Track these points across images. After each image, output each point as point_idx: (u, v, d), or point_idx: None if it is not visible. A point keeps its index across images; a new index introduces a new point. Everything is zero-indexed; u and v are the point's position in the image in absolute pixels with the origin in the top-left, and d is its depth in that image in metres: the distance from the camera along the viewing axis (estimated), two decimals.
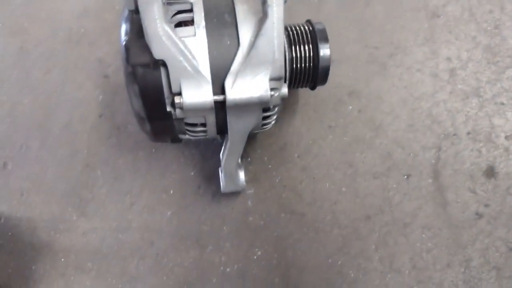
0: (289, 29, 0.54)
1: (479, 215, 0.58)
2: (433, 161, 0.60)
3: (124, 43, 0.45)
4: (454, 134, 0.61)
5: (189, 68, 0.44)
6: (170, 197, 0.62)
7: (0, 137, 0.67)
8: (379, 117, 0.62)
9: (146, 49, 0.43)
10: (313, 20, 0.54)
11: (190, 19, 0.45)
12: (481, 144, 0.60)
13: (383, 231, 0.58)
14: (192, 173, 0.62)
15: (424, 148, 0.61)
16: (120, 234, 0.61)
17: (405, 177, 0.60)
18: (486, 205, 0.58)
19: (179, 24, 0.45)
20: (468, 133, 0.61)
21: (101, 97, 0.67)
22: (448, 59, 0.64)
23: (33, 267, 0.60)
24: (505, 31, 0.65)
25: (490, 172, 0.60)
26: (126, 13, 0.46)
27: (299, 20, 0.55)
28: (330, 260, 0.57)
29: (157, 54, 0.43)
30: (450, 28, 0.66)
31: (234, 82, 0.46)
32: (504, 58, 0.64)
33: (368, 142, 0.61)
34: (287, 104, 0.63)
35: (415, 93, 0.63)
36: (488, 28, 0.65)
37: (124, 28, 0.46)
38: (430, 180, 0.60)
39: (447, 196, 0.59)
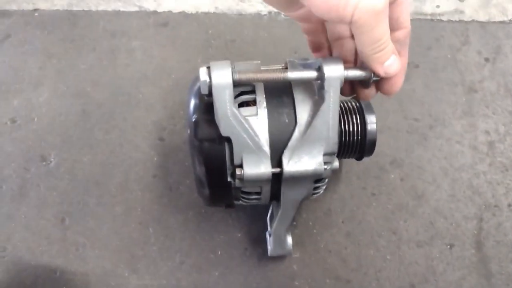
0: None
1: None
2: (475, 232, 0.62)
3: (193, 119, 0.50)
4: (495, 206, 0.63)
5: (251, 144, 0.49)
6: (217, 258, 0.64)
7: (60, 193, 0.71)
8: (421, 186, 0.65)
9: (213, 125, 0.48)
10: None
11: (252, 99, 0.50)
12: None
13: None
14: (239, 235, 0.65)
15: (466, 218, 0.63)
16: None
17: (448, 246, 0.61)
18: None
19: (242, 104, 0.50)
20: (509, 205, 0.63)
21: (155, 158, 0.72)
22: (487, 132, 0.68)
23: None
24: None
25: None
26: (195, 90, 0.52)
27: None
28: None
29: (224, 132, 0.48)
30: (487, 102, 0.70)
31: (291, 157, 0.50)
32: None
33: (411, 210, 0.64)
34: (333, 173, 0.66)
35: (455, 164, 0.66)
36: None
37: (193, 104, 0.51)
38: (473, 251, 0.61)
39: (491, 267, 0.60)
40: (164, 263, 0.65)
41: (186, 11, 0.87)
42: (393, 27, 0.41)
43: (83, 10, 0.89)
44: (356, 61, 0.50)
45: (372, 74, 0.46)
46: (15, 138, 0.77)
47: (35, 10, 0.92)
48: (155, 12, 0.87)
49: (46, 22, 0.90)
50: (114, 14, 0.87)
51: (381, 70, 0.44)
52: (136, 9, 0.87)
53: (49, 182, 0.72)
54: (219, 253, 0.65)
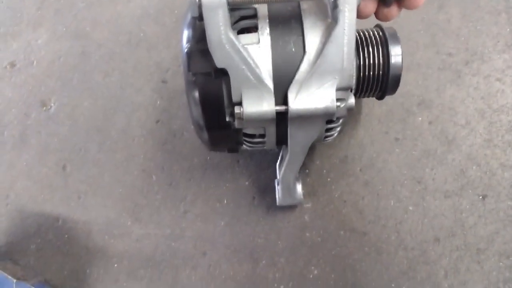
0: (356, 34, 0.50)
1: None
2: None
3: (185, 50, 0.43)
4: None
5: (251, 77, 0.42)
6: (223, 207, 0.60)
7: (60, 139, 0.68)
8: (452, 130, 0.57)
9: (208, 57, 0.42)
10: (383, 25, 0.50)
11: (254, 25, 0.43)
12: None
13: (454, 256, 0.53)
14: (247, 183, 0.60)
15: (503, 166, 0.55)
16: (173, 242, 0.60)
17: (481, 197, 0.54)
18: None
19: (242, 31, 0.43)
20: None
21: (158, 102, 0.67)
22: None
23: (88, 271, 0.60)
24: None
25: None
26: (188, 18, 0.45)
27: (367, 23, 0.51)
28: (393, 284, 0.53)
29: (220, 62, 0.41)
30: None
31: (298, 92, 0.43)
32: None
33: (440, 157, 0.56)
34: (349, 113, 0.59)
35: (494, 104, 0.57)
36: None
37: (186, 34, 0.44)
38: (510, 203, 0.54)
39: None
40: (168, 212, 0.61)
41: None
42: None
43: None
44: None
45: None
46: (15, 83, 0.73)
47: None
48: None
49: None
50: None
51: None
52: None
53: (50, 128, 0.69)
54: (225, 202, 0.60)
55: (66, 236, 0.62)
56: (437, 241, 0.54)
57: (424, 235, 0.54)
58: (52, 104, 0.70)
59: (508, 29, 0.60)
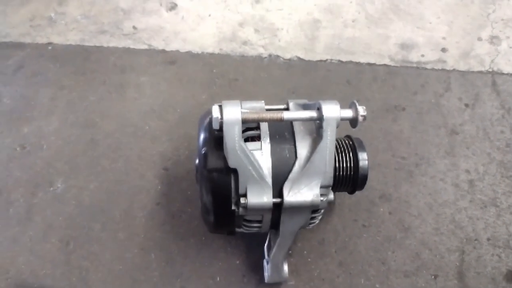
0: None
1: None
2: (457, 263, 0.66)
3: (203, 151, 0.55)
4: (476, 239, 0.68)
5: (255, 175, 0.54)
6: (216, 284, 0.67)
7: (65, 218, 0.74)
8: (408, 219, 0.70)
9: (220, 157, 0.53)
10: (352, 136, 0.65)
11: (257, 135, 0.56)
12: (500, 250, 0.67)
13: None
14: (238, 262, 0.69)
15: (449, 250, 0.68)
16: None
17: (433, 277, 0.66)
18: None
19: (247, 139, 0.56)
20: (488, 239, 0.68)
21: (159, 187, 0.76)
22: (467, 171, 0.74)
23: None
24: None
25: (510, 277, 0.65)
26: (205, 124, 0.57)
27: (339, 133, 0.64)
28: None
29: (232, 163, 0.53)
30: (468, 144, 0.76)
31: (291, 188, 0.55)
32: None
33: (399, 242, 0.68)
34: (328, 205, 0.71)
35: (439, 199, 0.72)
36: (501, 146, 0.76)
37: (203, 137, 0.56)
38: (456, 281, 0.65)
39: None
40: None
41: (193, 51, 0.94)
42: None
43: (95, 46, 0.96)
44: None
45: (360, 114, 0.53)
46: (24, 164, 0.80)
47: (49, 44, 0.98)
48: (163, 51, 0.93)
49: (59, 56, 0.95)
50: (124, 50, 0.94)
51: None
52: (145, 47, 0.94)
53: (56, 208, 0.75)
54: (218, 279, 0.68)
55: None
56: None
57: None
58: (59, 185, 0.77)
59: (446, 140, 0.77)
